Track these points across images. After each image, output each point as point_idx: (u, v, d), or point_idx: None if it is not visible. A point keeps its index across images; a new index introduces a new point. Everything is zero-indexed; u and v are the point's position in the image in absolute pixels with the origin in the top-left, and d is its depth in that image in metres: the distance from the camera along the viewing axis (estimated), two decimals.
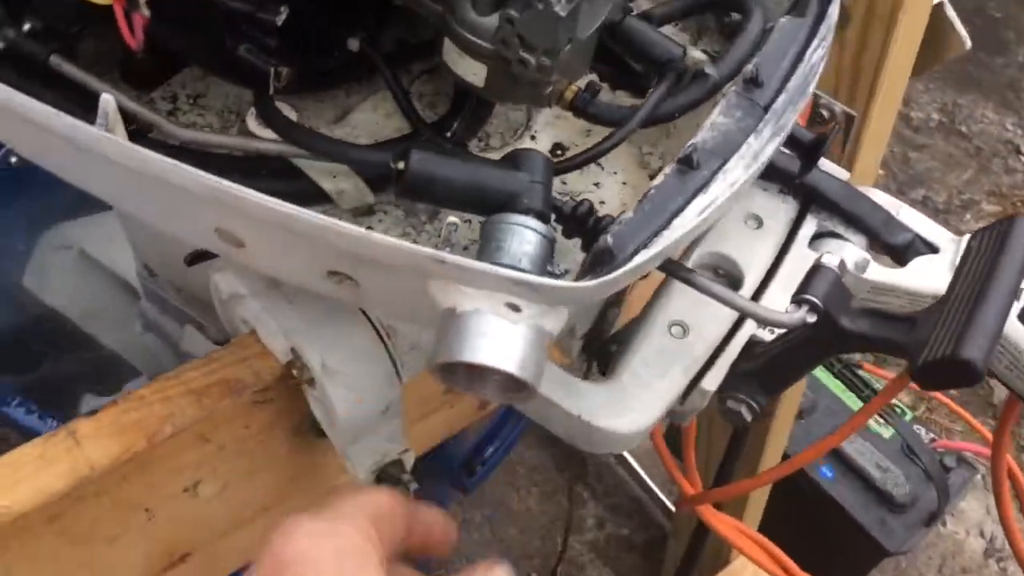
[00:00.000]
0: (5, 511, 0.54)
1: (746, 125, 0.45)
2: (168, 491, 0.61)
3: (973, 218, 2.21)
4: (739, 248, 0.55)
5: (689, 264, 0.54)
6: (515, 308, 0.40)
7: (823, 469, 1.41)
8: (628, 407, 0.48)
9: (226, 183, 0.39)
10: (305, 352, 0.56)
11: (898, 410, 1.49)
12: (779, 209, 0.57)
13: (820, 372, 1.51)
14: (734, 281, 0.54)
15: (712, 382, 0.50)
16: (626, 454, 1.63)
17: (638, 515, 1.62)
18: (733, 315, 0.52)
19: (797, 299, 0.44)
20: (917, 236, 0.57)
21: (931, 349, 0.40)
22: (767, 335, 0.52)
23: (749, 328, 0.52)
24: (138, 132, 0.51)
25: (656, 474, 1.63)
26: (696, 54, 0.51)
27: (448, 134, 0.52)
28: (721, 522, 0.97)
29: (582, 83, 0.50)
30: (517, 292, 0.39)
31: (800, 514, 1.37)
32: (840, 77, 0.80)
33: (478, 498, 1.62)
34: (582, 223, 0.45)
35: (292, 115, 0.52)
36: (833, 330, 0.44)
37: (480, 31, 0.45)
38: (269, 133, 0.51)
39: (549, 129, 0.57)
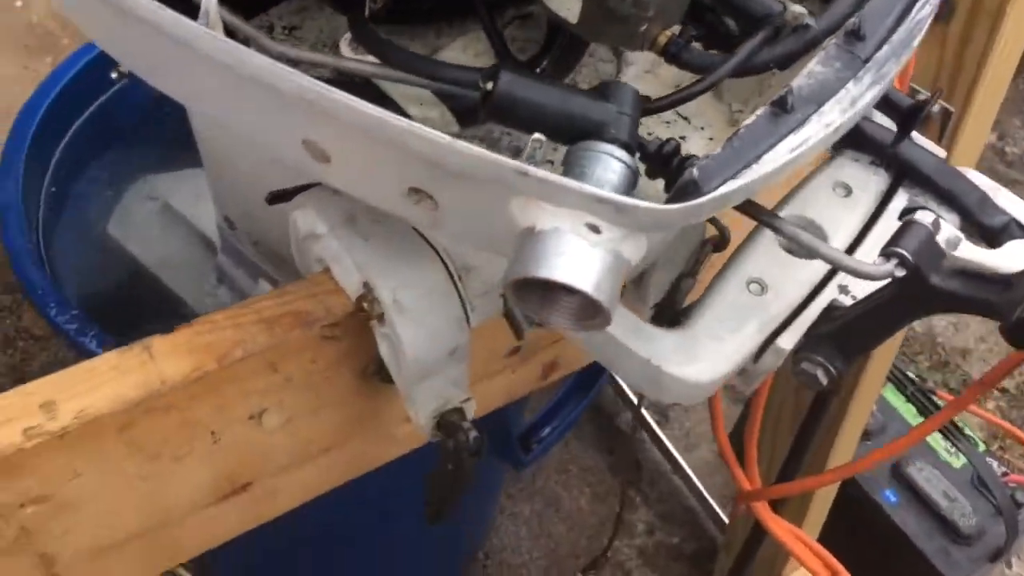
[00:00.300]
0: (80, 414, 0.55)
1: (845, 76, 0.44)
2: (234, 416, 0.62)
3: None
4: (825, 214, 0.53)
5: (768, 230, 0.53)
6: (595, 229, 0.39)
7: (887, 493, 1.37)
8: (699, 356, 0.48)
9: (319, 84, 0.40)
10: (377, 286, 0.57)
11: (971, 440, 1.44)
12: (870, 180, 0.56)
13: (892, 395, 1.47)
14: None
15: (788, 341, 0.49)
16: (683, 462, 1.61)
17: (689, 524, 1.60)
18: (814, 278, 0.51)
19: (886, 252, 0.42)
20: (1013, 219, 0.55)
21: None
22: (847, 300, 0.50)
23: (830, 293, 0.51)
24: None
25: (711, 485, 1.60)
26: (796, 8, 0.50)
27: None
28: (778, 525, 0.95)
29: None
30: (599, 212, 0.39)
31: (860, 537, 1.33)
32: (941, 71, 0.78)
33: (529, 493, 1.62)
34: (667, 162, 0.44)
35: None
36: (922, 287, 0.42)
37: None
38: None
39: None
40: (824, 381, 0.48)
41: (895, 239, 0.42)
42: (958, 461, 1.40)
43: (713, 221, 0.65)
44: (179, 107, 1.18)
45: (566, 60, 0.54)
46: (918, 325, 1.94)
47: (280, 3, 0.58)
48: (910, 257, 0.42)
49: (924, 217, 0.43)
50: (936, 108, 0.78)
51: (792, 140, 0.41)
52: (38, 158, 0.97)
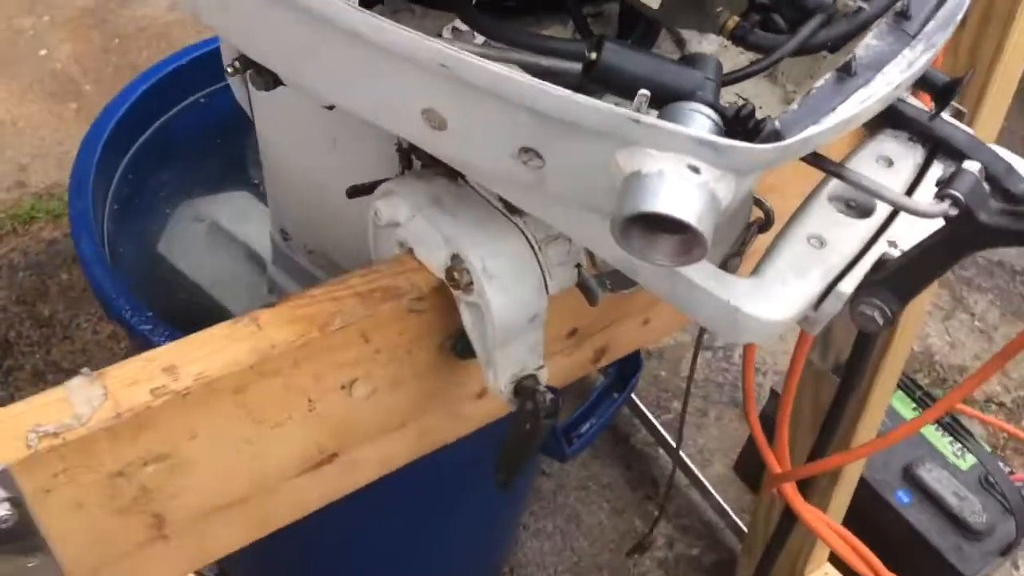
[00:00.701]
0: (199, 376, 0.60)
1: (897, 48, 0.51)
2: (329, 384, 0.67)
3: None
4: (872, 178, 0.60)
5: (825, 193, 0.60)
6: (695, 170, 0.45)
7: (900, 494, 1.42)
8: (771, 298, 0.54)
9: (447, 47, 0.46)
10: (468, 255, 0.63)
11: (979, 444, 1.50)
12: (908, 154, 0.62)
13: (899, 403, 1.53)
14: (865, 211, 0.60)
15: (848, 285, 0.55)
16: (702, 477, 1.66)
17: (708, 537, 1.64)
18: (866, 235, 0.58)
19: (941, 194, 0.49)
20: None
21: None
22: (896, 253, 0.57)
23: (880, 247, 0.57)
24: None
25: (726, 498, 1.64)
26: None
27: None
28: (808, 510, 1.00)
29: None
30: (699, 154, 0.45)
31: (875, 537, 1.37)
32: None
33: (551, 510, 1.66)
34: (744, 123, 0.51)
35: (479, 39, 0.59)
36: (972, 225, 0.49)
37: None
38: None
39: None
40: (881, 322, 0.55)
41: (947, 183, 0.49)
42: (965, 463, 1.46)
43: (759, 203, 0.72)
44: (228, 132, 1.26)
45: (642, 46, 0.61)
46: (916, 344, 2.01)
47: (374, 6, 0.65)
48: (962, 198, 0.48)
49: (971, 166, 0.50)
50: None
51: (861, 94, 0.48)
52: (102, 177, 1.03)
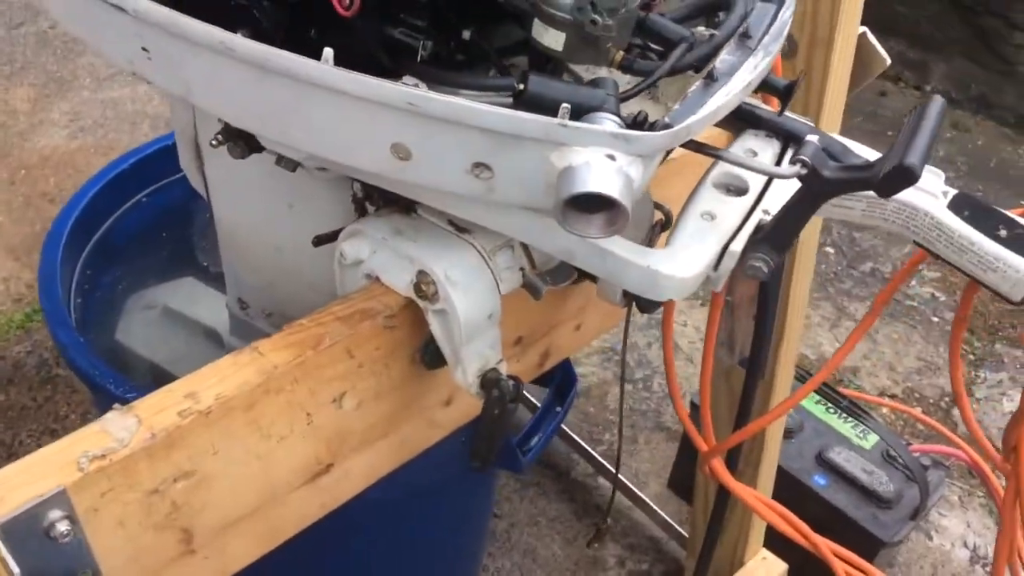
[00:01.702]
0: (218, 397, 0.71)
1: (744, 58, 0.68)
2: (323, 399, 0.78)
3: (917, 283, 2.47)
4: (742, 171, 0.76)
5: (709, 180, 0.75)
6: (612, 158, 0.60)
7: (816, 478, 1.58)
8: (681, 260, 0.68)
9: (414, 89, 0.60)
10: (432, 268, 0.76)
11: (877, 424, 1.67)
12: (767, 146, 0.79)
13: (805, 400, 1.70)
14: (741, 191, 0.75)
15: (738, 245, 0.70)
16: (642, 495, 1.78)
17: (655, 551, 1.76)
18: (746, 208, 0.73)
19: (792, 160, 0.65)
20: (866, 160, 0.79)
21: (885, 169, 0.61)
22: (769, 219, 0.72)
23: (758, 215, 0.73)
24: None
25: (669, 512, 1.77)
26: (701, 29, 0.74)
27: None
28: (736, 486, 1.14)
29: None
30: (614, 145, 0.60)
31: (801, 519, 1.52)
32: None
33: (507, 548, 1.75)
34: (640, 126, 0.66)
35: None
36: (819, 180, 0.64)
37: (562, 6, 0.67)
38: None
39: None
40: (766, 270, 0.70)
41: (796, 152, 0.65)
42: (869, 442, 1.63)
43: (660, 207, 0.87)
44: (170, 225, 1.36)
45: None
46: (810, 351, 2.21)
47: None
48: (809, 160, 0.64)
49: (812, 137, 0.66)
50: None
51: (723, 92, 0.64)
52: (65, 276, 1.12)
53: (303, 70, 0.62)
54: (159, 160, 1.28)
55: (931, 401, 2.12)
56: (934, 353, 2.26)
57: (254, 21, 0.71)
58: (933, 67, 3.19)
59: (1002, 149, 3.06)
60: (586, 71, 0.80)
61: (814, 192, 0.66)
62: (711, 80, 0.66)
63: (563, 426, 1.88)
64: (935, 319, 2.36)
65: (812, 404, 1.69)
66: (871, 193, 0.78)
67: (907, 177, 0.60)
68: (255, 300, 1.13)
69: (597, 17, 0.67)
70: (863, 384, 2.15)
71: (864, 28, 1.03)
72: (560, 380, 1.20)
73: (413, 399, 0.87)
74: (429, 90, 0.71)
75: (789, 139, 0.80)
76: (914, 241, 0.80)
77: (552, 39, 0.70)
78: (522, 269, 0.80)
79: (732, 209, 0.73)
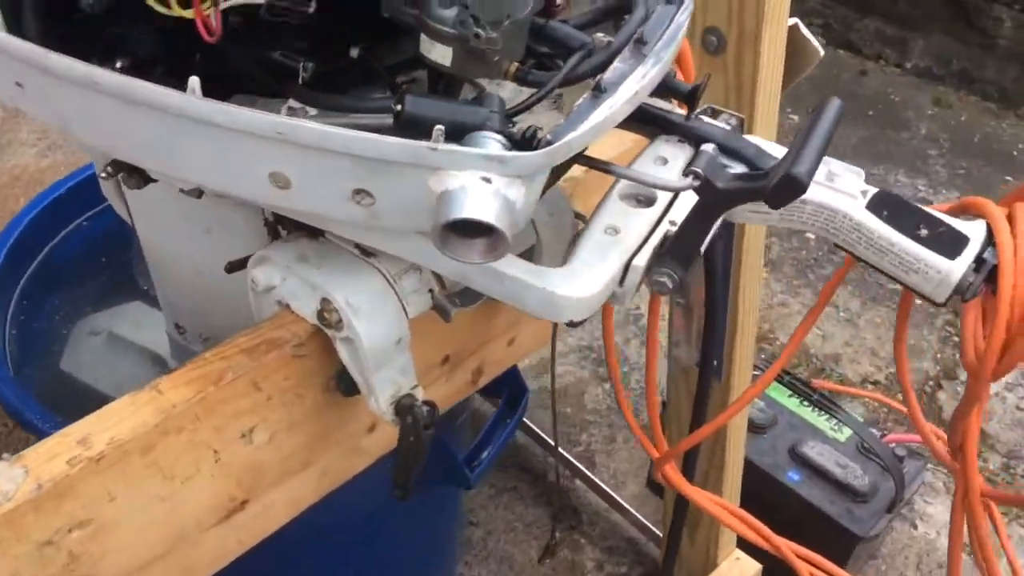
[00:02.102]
0: (111, 441, 0.68)
1: (635, 66, 0.65)
2: (230, 435, 0.75)
3: None
4: (652, 179, 0.73)
5: (615, 192, 0.72)
6: (488, 180, 0.57)
7: (790, 474, 1.55)
8: (579, 280, 0.65)
9: (283, 117, 0.57)
10: (334, 296, 0.73)
11: (851, 416, 1.64)
12: (679, 152, 0.76)
13: (776, 393, 1.67)
14: (649, 201, 0.72)
15: (641, 260, 0.67)
16: (617, 497, 1.76)
17: (633, 553, 1.73)
18: (653, 219, 0.70)
19: (686, 171, 0.62)
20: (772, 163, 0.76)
21: (776, 179, 0.58)
22: (675, 230, 0.69)
23: (664, 227, 0.70)
24: None
25: (646, 512, 1.75)
26: (600, 35, 0.71)
27: None
28: (693, 490, 1.12)
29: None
30: (488, 168, 0.57)
31: (773, 517, 1.49)
32: (728, 92, 1.01)
33: (483, 556, 1.73)
34: (530, 142, 0.63)
35: (312, 112, 0.70)
36: (713, 191, 0.61)
37: (446, 20, 0.64)
38: None
39: None
40: (671, 285, 0.67)
41: (689, 163, 0.62)
42: (843, 435, 1.60)
43: (581, 217, 0.84)
44: (112, 249, 1.34)
45: (448, 96, 0.73)
46: None
47: (232, 96, 0.76)
48: (701, 172, 0.61)
49: (707, 148, 0.63)
50: (734, 121, 1.02)
51: (608, 104, 0.60)
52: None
53: (168, 102, 0.60)
54: (98, 183, 1.26)
55: (915, 386, 2.08)
56: (918, 336, 2.23)
57: (131, 50, 0.68)
58: (913, 44, 3.15)
59: (985, 124, 3.01)
60: (492, 84, 0.77)
61: (709, 204, 0.63)
62: (599, 91, 0.63)
63: (538, 429, 1.86)
64: (918, 301, 2.32)
65: (785, 398, 1.66)
66: None
67: (795, 187, 0.57)
68: (190, 324, 1.11)
69: (480, 31, 0.64)
70: (845, 372, 2.12)
71: (795, 19, 0.99)
72: (510, 391, 1.17)
73: (333, 428, 0.84)
74: (307, 114, 0.69)
75: (702, 144, 0.77)
76: (835, 244, 0.77)
77: (440, 54, 0.67)
78: (431, 291, 0.77)
79: (638, 221, 0.70)
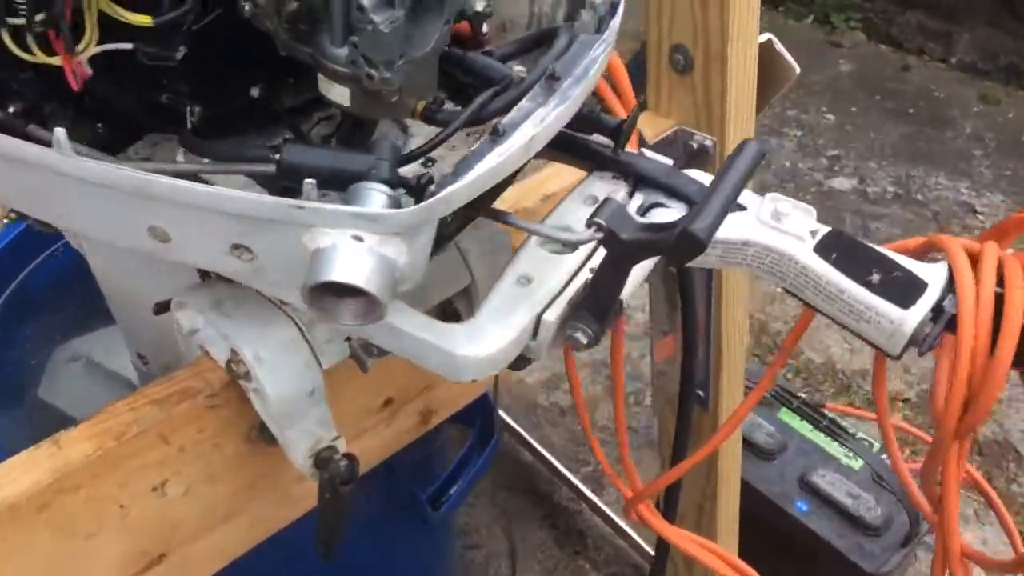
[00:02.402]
0: (2, 502, 0.65)
1: (539, 106, 0.59)
2: (138, 489, 0.72)
3: None
4: (578, 221, 0.67)
5: (533, 238, 0.67)
6: (359, 239, 0.52)
7: (799, 504, 1.47)
8: (481, 338, 0.60)
9: (147, 173, 0.53)
10: (240, 347, 0.69)
11: (866, 443, 1.56)
12: (613, 190, 0.70)
13: (788, 416, 1.59)
14: (574, 246, 0.67)
15: (552, 315, 0.62)
16: (623, 524, 1.70)
17: None
18: (573, 267, 0.65)
19: (588, 223, 0.56)
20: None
21: (675, 235, 0.52)
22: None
23: (584, 275, 0.64)
24: None
25: (649, 541, 1.68)
26: (519, 68, 0.66)
27: None
28: (669, 529, 1.06)
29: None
30: (359, 225, 0.52)
31: (780, 549, 1.42)
32: (698, 113, 0.95)
33: None
34: (423, 190, 0.58)
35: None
36: (618, 243, 0.56)
37: (339, 59, 0.60)
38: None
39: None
40: (584, 341, 0.61)
41: (593, 213, 0.56)
42: (856, 463, 1.51)
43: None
44: (86, 277, 1.32)
45: (358, 135, 0.68)
46: (817, 356, 2.09)
47: (137, 141, 0.72)
48: (604, 223, 0.55)
49: (615, 196, 0.57)
50: (698, 140, 0.95)
51: (498, 151, 0.55)
52: None
53: (31, 156, 0.56)
54: None
55: None
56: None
57: (20, 95, 0.65)
58: (957, 38, 3.01)
59: None
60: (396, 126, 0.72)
61: (617, 256, 0.57)
62: (497, 135, 0.57)
63: (543, 449, 1.81)
64: None
65: (797, 422, 1.58)
66: (723, 235, 0.69)
67: (693, 245, 0.51)
68: (152, 354, 1.08)
69: (372, 72, 0.59)
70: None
71: (769, 36, 0.92)
72: (482, 425, 1.12)
73: (261, 477, 0.81)
74: (204, 163, 0.65)
75: (639, 181, 0.71)
76: (784, 288, 0.70)
77: (338, 94, 0.62)
78: (348, 339, 0.73)
79: (555, 270, 0.64)
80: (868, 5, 3.19)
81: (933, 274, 0.66)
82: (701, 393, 1.16)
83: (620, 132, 0.66)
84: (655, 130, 0.98)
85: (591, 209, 0.69)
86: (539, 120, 0.57)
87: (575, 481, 1.74)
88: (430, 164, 0.71)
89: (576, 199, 0.70)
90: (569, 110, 0.59)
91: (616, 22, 0.65)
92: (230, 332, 0.70)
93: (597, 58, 0.62)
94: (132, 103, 0.64)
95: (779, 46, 0.93)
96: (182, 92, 0.61)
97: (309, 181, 0.54)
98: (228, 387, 0.74)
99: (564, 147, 0.71)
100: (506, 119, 0.59)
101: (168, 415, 0.72)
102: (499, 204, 0.90)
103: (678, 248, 0.51)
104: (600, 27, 0.68)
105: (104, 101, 0.65)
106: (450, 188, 0.53)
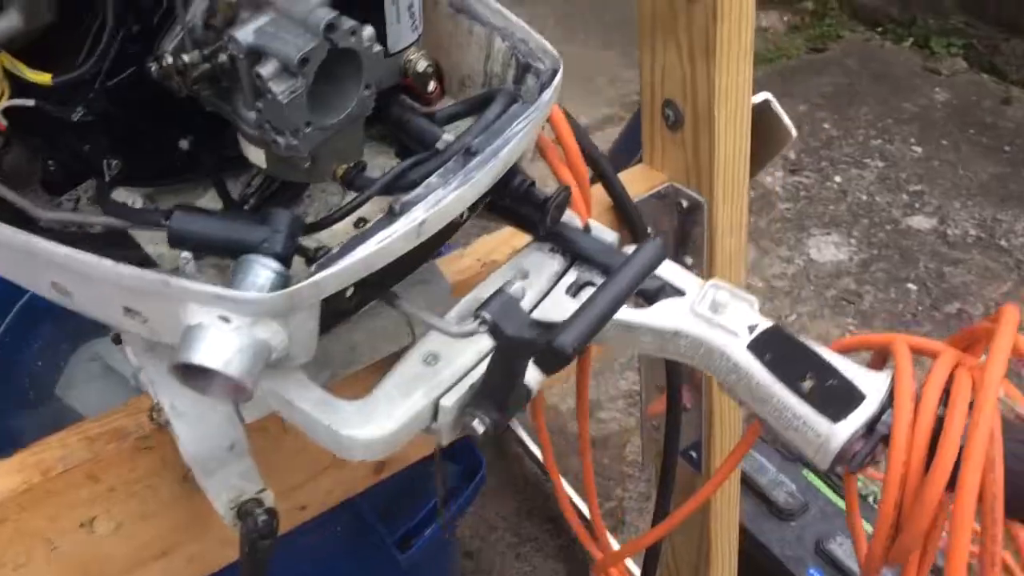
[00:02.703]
0: None
1: (440, 185, 0.57)
2: (66, 525, 0.73)
3: None
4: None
5: (454, 310, 0.65)
6: (226, 319, 0.51)
7: (811, 572, 1.41)
8: (371, 419, 0.58)
9: (38, 239, 0.54)
10: (160, 397, 0.69)
11: None
12: (546, 264, 0.67)
13: (813, 477, 1.52)
14: (518, 300, 0.64)
15: (449, 400, 0.59)
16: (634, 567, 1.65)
17: None
18: (482, 349, 0.62)
19: (475, 314, 0.54)
20: (666, 282, 0.66)
21: (552, 340, 0.49)
22: None
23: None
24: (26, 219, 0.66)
25: None
26: (447, 136, 0.63)
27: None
28: None
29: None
30: (224, 306, 0.51)
31: None
32: (688, 171, 0.90)
33: None
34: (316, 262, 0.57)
35: (140, 201, 0.66)
36: (504, 339, 0.53)
37: (250, 122, 0.59)
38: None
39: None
40: (480, 430, 0.59)
41: (482, 306, 0.54)
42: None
43: None
44: None
45: (284, 195, 0.67)
46: None
47: (84, 181, 0.73)
48: (489, 317, 0.53)
49: (508, 287, 0.55)
50: (687, 199, 0.91)
51: (382, 235, 0.53)
52: None
53: None
54: None
55: None
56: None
57: None
58: None
59: None
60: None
61: (506, 351, 0.54)
62: (391, 215, 0.55)
63: (564, 480, 1.78)
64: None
65: (822, 483, 1.50)
66: (653, 323, 0.65)
67: (558, 357, 0.48)
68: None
69: (278, 138, 0.58)
70: None
71: (766, 95, 0.87)
72: (465, 465, 1.11)
73: (198, 516, 0.81)
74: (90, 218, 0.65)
75: (577, 258, 0.68)
76: (718, 383, 0.66)
77: (255, 156, 0.62)
78: None
79: (462, 351, 0.62)
80: (972, 31, 3.02)
81: (874, 384, 0.61)
82: (694, 455, 1.11)
83: (544, 210, 0.63)
84: (648, 183, 0.94)
85: (519, 283, 0.67)
86: (434, 203, 0.55)
87: (587, 514, 1.70)
88: (362, 224, 0.69)
89: (507, 272, 0.67)
90: (471, 191, 0.57)
91: (548, 95, 0.62)
92: (155, 378, 0.70)
93: (517, 135, 0.59)
94: (61, 151, 0.64)
95: (777, 107, 0.88)
96: (101, 145, 0.61)
97: (185, 255, 0.53)
98: (160, 430, 0.74)
99: (505, 212, 0.69)
100: (405, 198, 0.57)
101: (96, 455, 0.72)
102: (469, 255, 0.88)
103: (545, 359, 0.48)
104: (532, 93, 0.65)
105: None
106: (319, 275, 0.51)
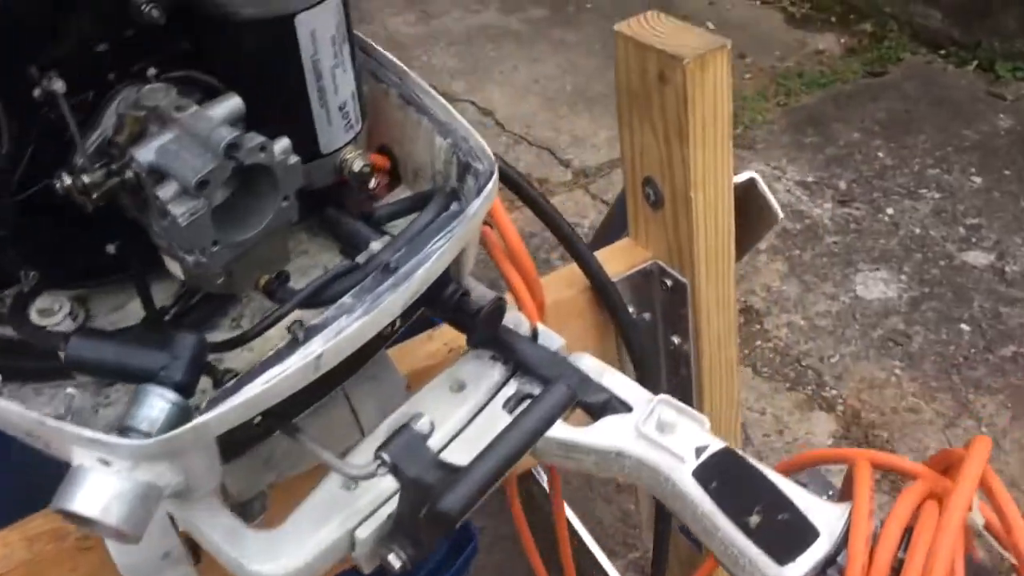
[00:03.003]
0: None
1: (345, 311, 0.54)
2: None
3: None
4: (436, 409, 0.61)
5: (385, 424, 0.61)
6: (106, 463, 0.49)
7: None
8: (281, 553, 0.55)
9: None
10: None
11: None
12: (485, 375, 0.63)
13: None
14: (424, 437, 0.60)
15: (365, 531, 0.56)
16: None
17: None
18: None
19: (375, 454, 0.50)
20: (613, 396, 0.62)
21: (435, 502, 0.45)
22: None
23: None
24: None
25: None
26: (375, 244, 0.60)
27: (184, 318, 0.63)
28: None
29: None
30: (100, 449, 0.48)
31: None
32: (671, 251, 0.85)
33: None
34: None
35: (67, 305, 0.64)
36: (406, 480, 0.49)
37: (160, 235, 0.56)
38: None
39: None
40: (396, 565, 0.55)
41: (383, 445, 0.50)
42: None
43: None
44: None
45: (219, 304, 0.65)
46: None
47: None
48: (388, 458, 0.49)
49: (415, 423, 0.51)
50: (671, 279, 0.86)
51: (276, 370, 0.50)
52: None
53: None
54: None
55: None
56: None
57: None
58: None
59: None
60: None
61: (410, 492, 0.51)
62: (295, 342, 0.52)
63: (585, 529, 1.72)
64: None
65: None
66: (594, 443, 0.60)
67: (441, 522, 0.44)
68: None
69: (186, 256, 0.55)
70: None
71: (752, 175, 0.82)
72: (456, 537, 1.07)
73: None
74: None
75: (518, 367, 0.64)
76: (668, 508, 0.61)
77: (172, 266, 0.59)
78: None
79: (381, 479, 0.58)
80: None
81: (830, 517, 0.56)
82: (692, 539, 1.06)
83: (475, 321, 0.59)
84: (632, 261, 0.90)
85: (454, 395, 0.63)
86: (334, 334, 0.51)
87: (611, 571, 1.65)
88: (298, 327, 0.66)
89: (443, 383, 0.63)
90: (378, 318, 0.53)
91: (478, 204, 0.58)
92: None
93: (435, 252, 0.55)
94: None
95: (762, 187, 0.82)
96: (16, 258, 0.60)
97: (70, 392, 0.51)
98: None
99: (448, 314, 0.65)
100: (310, 323, 0.53)
101: (35, 555, 0.71)
102: (437, 338, 0.84)
103: (428, 520, 0.44)
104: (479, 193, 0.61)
105: None
106: (202, 418, 0.48)
